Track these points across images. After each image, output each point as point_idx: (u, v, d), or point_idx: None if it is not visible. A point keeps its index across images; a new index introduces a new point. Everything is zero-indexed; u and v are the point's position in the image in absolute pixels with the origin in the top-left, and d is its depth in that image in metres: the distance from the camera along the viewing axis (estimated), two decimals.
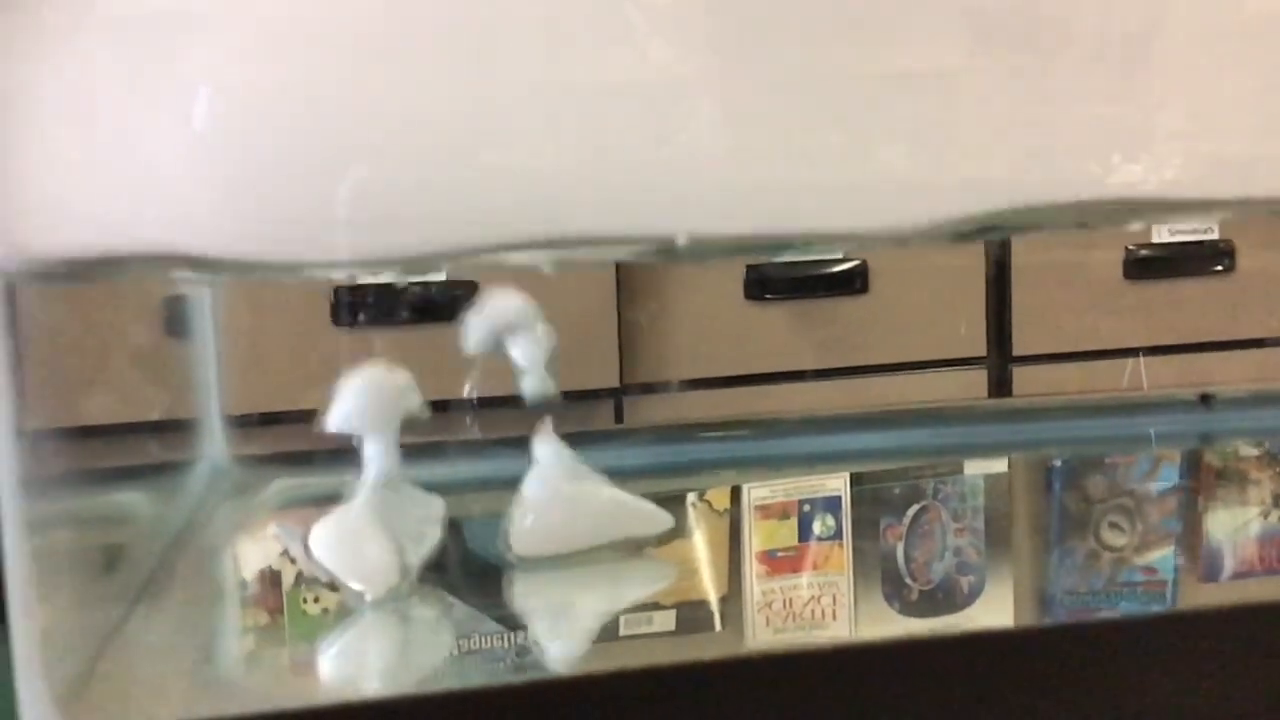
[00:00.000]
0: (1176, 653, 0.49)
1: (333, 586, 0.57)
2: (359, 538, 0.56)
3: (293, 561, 0.62)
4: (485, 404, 0.70)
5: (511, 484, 0.60)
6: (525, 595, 0.59)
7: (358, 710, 0.45)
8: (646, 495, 0.62)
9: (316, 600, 0.57)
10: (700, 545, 0.63)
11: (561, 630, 0.56)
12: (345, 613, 0.55)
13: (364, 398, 0.59)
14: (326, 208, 0.47)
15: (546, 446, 0.61)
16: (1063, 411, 0.90)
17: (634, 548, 0.61)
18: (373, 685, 0.52)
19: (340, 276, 0.51)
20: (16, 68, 0.43)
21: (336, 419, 0.59)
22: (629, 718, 0.45)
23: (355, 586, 0.56)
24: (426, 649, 0.54)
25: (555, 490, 0.60)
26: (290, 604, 0.57)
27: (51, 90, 0.46)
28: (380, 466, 0.59)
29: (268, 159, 0.47)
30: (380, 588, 0.55)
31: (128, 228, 0.47)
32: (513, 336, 0.62)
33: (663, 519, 0.62)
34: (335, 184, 0.48)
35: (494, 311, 0.62)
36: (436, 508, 0.61)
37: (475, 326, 0.62)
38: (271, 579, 0.60)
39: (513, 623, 0.56)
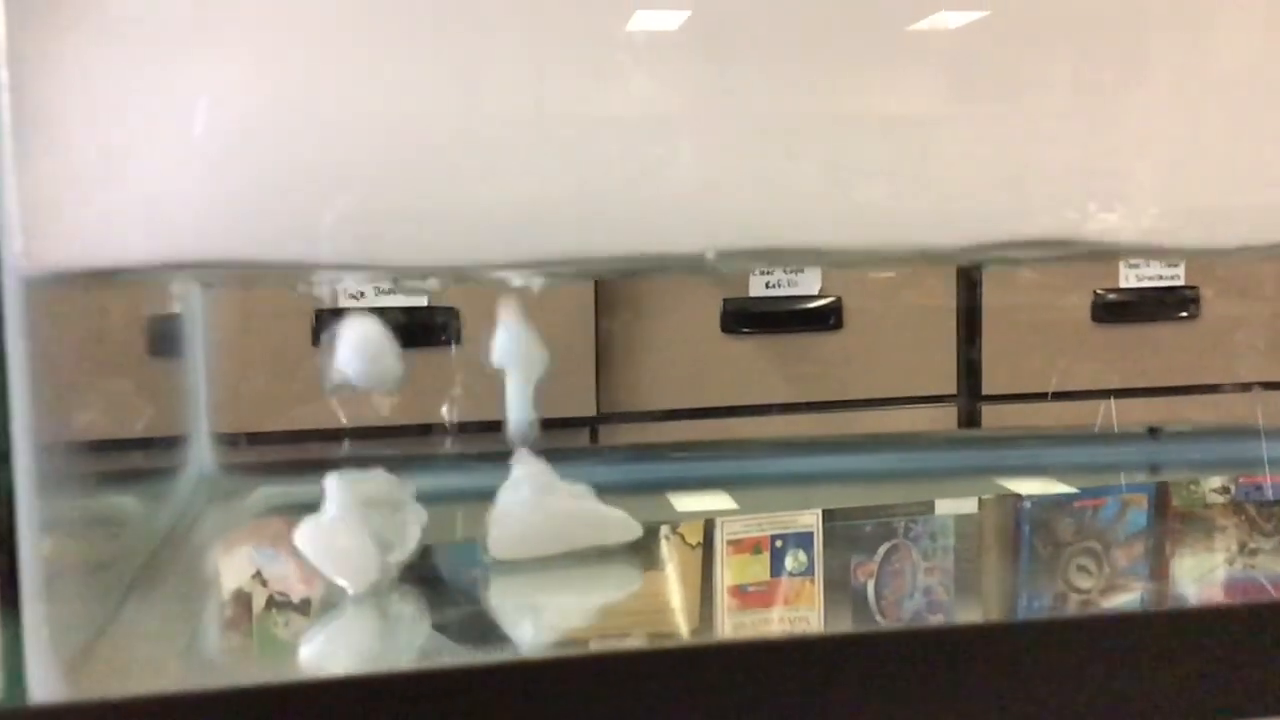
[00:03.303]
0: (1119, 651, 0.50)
1: (303, 611, 0.58)
2: (342, 536, 0.59)
3: (264, 584, 0.62)
4: (463, 427, 0.72)
5: (491, 495, 0.63)
6: (499, 595, 0.61)
7: (329, 686, 0.47)
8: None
9: (287, 625, 0.57)
10: (672, 578, 0.63)
11: (529, 623, 0.58)
12: (327, 607, 0.57)
13: (360, 348, 0.63)
14: (318, 218, 0.49)
15: (525, 458, 0.64)
16: (1022, 441, 0.92)
17: (606, 554, 0.63)
18: (346, 667, 0.54)
19: (323, 284, 0.53)
20: (35, 94, 0.45)
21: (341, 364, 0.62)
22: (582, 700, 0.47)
23: (338, 581, 0.58)
24: (402, 638, 0.56)
25: (531, 498, 0.63)
26: (260, 628, 0.57)
27: (67, 111, 0.47)
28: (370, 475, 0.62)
29: (268, 176, 0.48)
30: (361, 583, 0.58)
31: (135, 240, 0.49)
32: (513, 365, 0.64)
33: (633, 528, 0.64)
34: (329, 200, 0.50)
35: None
36: (418, 512, 0.64)
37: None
38: (243, 601, 0.60)
39: (485, 618, 0.58)
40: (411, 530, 0.63)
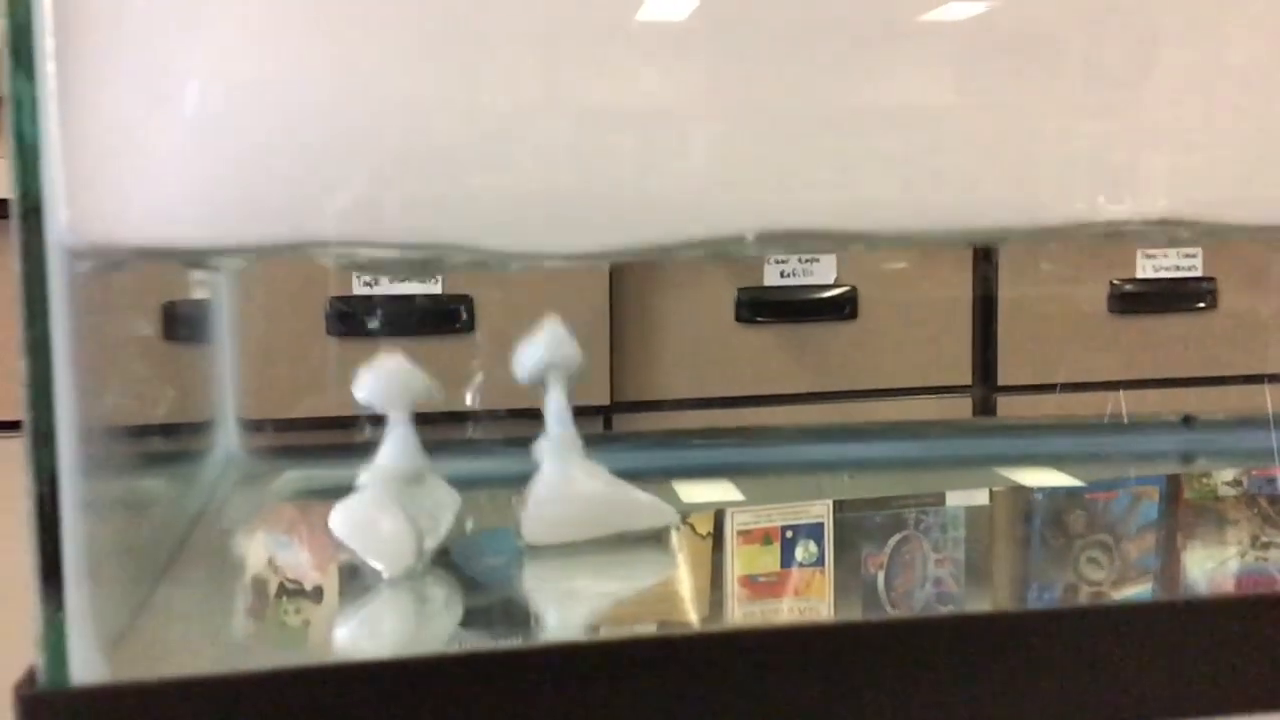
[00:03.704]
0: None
1: (315, 599, 0.59)
2: (378, 519, 0.59)
3: (275, 571, 0.63)
4: (480, 415, 0.72)
5: (522, 480, 0.64)
6: (533, 579, 0.62)
7: (362, 669, 0.48)
8: None
9: (298, 612, 0.57)
10: (683, 568, 0.64)
11: (562, 608, 0.59)
12: (361, 590, 0.58)
13: (384, 382, 0.63)
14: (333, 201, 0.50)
15: (556, 442, 0.64)
16: (1050, 430, 0.92)
17: (638, 539, 0.64)
18: (383, 649, 0.55)
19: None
20: (83, 82, 0.46)
21: (363, 396, 0.63)
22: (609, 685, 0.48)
23: (374, 564, 0.58)
24: (437, 622, 0.57)
25: (565, 483, 0.63)
26: (272, 614, 0.58)
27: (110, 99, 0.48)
28: (398, 450, 0.62)
29: (285, 159, 0.49)
30: (397, 567, 0.58)
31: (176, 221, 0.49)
32: (554, 371, 0.65)
33: (667, 513, 0.65)
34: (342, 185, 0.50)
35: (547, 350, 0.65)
36: (451, 496, 0.65)
37: (526, 359, 0.65)
38: (259, 587, 0.61)
39: (519, 602, 0.60)
40: (444, 514, 0.63)
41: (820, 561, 0.64)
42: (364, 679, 0.47)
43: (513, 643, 0.53)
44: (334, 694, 0.46)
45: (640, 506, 0.64)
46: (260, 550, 0.66)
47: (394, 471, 0.61)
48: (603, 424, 1.01)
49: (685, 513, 0.68)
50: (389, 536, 0.58)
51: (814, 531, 0.68)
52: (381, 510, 0.59)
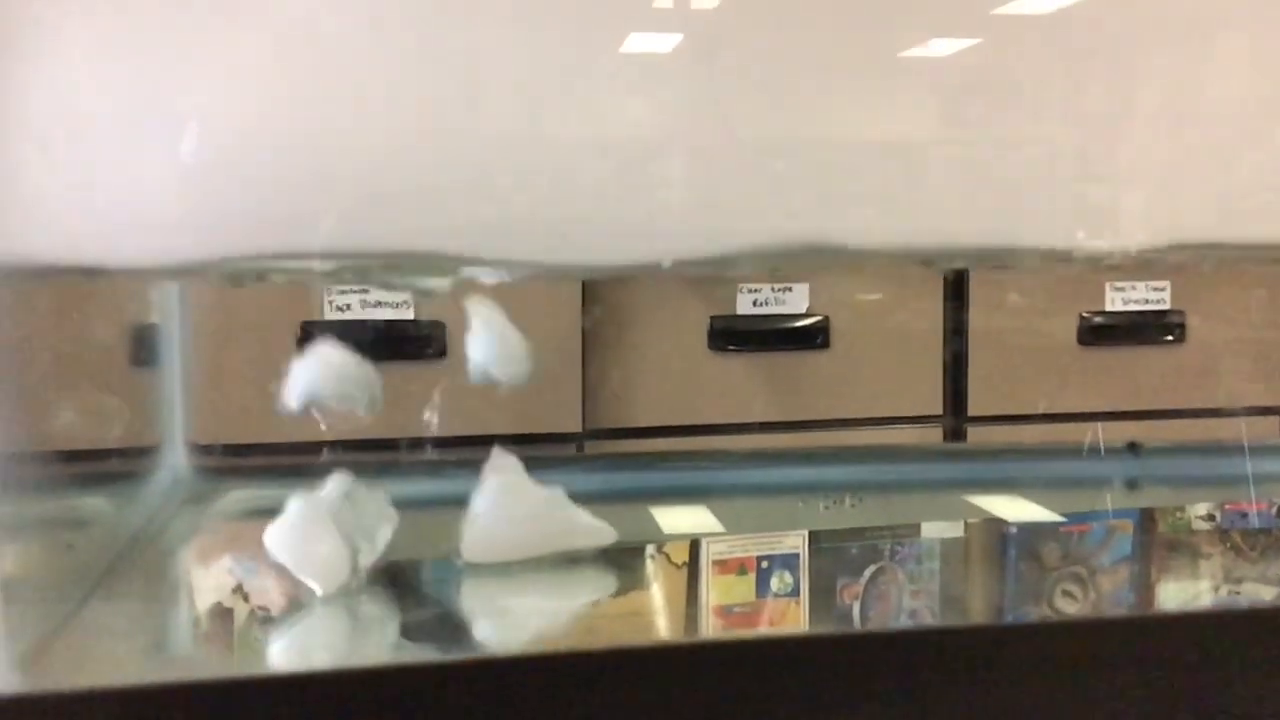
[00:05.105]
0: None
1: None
2: (313, 536, 0.59)
3: (246, 599, 0.61)
4: (448, 441, 0.71)
5: (466, 501, 0.63)
6: (471, 597, 0.61)
7: (289, 681, 0.48)
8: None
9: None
10: (658, 598, 0.63)
11: (500, 624, 0.59)
12: (296, 607, 0.57)
13: (316, 371, 0.62)
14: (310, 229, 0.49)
15: (500, 461, 0.64)
16: (1003, 454, 0.92)
17: (580, 560, 0.63)
18: (314, 663, 0.54)
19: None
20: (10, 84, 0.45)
21: (294, 395, 0.62)
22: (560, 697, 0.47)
23: (308, 582, 0.58)
24: (371, 637, 0.56)
25: (505, 502, 0.63)
26: (241, 643, 0.57)
27: (44, 107, 0.47)
28: (339, 477, 0.62)
29: (263, 189, 0.49)
30: (331, 584, 0.58)
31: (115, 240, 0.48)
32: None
33: (606, 533, 0.64)
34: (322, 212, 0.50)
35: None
36: (389, 513, 0.64)
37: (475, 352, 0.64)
38: (223, 615, 0.60)
39: (455, 619, 0.59)
40: (382, 531, 0.63)
41: (795, 592, 0.64)
42: (284, 691, 0.46)
43: (442, 657, 0.52)
44: (249, 706, 0.45)
45: (580, 526, 0.64)
46: (223, 577, 0.65)
47: (328, 489, 0.61)
48: (575, 450, 1.00)
49: (663, 542, 0.68)
50: (322, 554, 0.58)
51: (789, 561, 0.68)
52: (314, 528, 0.59)
